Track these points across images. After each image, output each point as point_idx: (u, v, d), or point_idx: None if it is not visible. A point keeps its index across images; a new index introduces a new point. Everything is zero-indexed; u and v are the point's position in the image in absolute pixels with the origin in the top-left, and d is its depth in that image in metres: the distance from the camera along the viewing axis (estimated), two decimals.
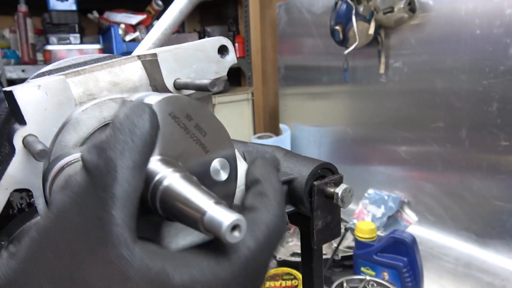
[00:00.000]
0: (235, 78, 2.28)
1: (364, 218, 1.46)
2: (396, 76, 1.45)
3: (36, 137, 0.28)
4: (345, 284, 0.91)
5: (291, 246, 1.30)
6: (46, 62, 1.65)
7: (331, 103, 1.78)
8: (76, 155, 0.29)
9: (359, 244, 1.06)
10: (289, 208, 0.57)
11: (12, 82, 1.52)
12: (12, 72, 1.51)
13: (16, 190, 0.29)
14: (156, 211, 0.27)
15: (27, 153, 0.28)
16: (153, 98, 0.29)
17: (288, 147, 1.86)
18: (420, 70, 1.38)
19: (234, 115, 2.08)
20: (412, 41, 1.37)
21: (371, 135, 1.61)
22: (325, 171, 0.60)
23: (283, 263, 1.15)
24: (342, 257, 1.19)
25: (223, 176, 0.32)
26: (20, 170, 0.28)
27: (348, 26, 1.40)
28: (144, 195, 0.27)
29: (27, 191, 0.29)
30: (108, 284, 0.19)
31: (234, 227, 0.21)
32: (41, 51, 1.70)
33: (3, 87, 1.47)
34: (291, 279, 1.02)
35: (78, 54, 1.70)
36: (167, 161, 0.29)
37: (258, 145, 0.62)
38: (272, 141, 1.81)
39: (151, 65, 0.35)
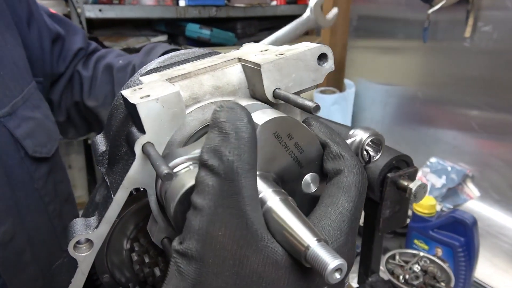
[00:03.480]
0: None
1: None
2: (483, 42, 1.32)
3: (153, 144, 0.31)
4: (397, 257, 0.93)
5: None
6: (121, 2, 1.69)
7: (403, 60, 1.68)
8: (183, 160, 0.32)
9: (416, 217, 1.06)
10: None
11: (90, 21, 1.58)
12: (91, 11, 1.57)
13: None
14: None
15: (145, 158, 0.31)
16: (260, 117, 0.31)
17: (351, 105, 1.82)
18: None
19: None
20: (509, 3, 1.23)
21: (443, 100, 1.52)
22: (400, 162, 0.60)
23: None
24: None
25: (313, 188, 0.34)
26: (138, 172, 0.32)
27: None
28: None
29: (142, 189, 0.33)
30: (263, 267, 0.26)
31: (337, 269, 0.24)
32: None
33: (83, 28, 1.53)
34: None
35: None
36: (266, 177, 0.31)
37: (332, 124, 0.62)
38: (335, 97, 1.77)
39: (252, 71, 0.36)
